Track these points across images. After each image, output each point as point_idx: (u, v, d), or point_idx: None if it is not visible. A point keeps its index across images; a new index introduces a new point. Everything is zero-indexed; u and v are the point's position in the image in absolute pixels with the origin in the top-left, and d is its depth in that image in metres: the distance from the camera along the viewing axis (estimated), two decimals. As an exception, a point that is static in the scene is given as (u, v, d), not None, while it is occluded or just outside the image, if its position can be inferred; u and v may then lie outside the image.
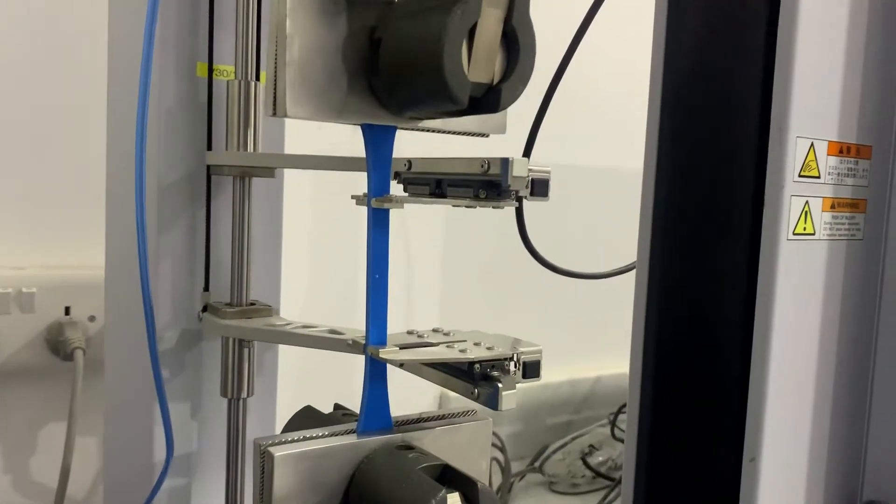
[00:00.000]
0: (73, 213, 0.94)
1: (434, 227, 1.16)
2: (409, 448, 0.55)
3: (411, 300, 1.15)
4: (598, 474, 1.13)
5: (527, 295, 1.25)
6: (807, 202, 0.56)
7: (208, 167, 0.71)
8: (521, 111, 0.69)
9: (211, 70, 0.70)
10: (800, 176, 0.55)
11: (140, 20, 0.64)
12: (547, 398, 1.24)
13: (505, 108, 0.48)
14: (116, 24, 0.73)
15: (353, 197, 0.55)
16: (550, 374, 1.25)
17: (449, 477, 0.52)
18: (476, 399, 0.53)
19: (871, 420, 0.62)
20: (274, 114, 0.49)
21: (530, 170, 0.49)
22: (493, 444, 1.13)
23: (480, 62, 0.46)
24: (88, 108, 0.90)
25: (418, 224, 1.14)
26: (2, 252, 0.91)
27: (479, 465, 0.59)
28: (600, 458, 1.14)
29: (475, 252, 1.20)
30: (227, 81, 0.69)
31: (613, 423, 1.17)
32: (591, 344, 1.28)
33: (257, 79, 0.69)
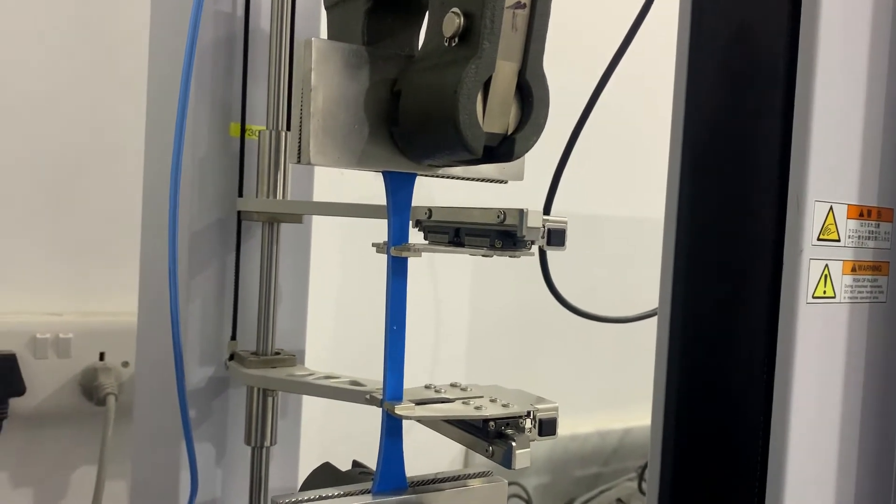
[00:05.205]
0: (109, 261, 0.96)
1: (462, 273, 1.17)
2: None
3: (439, 346, 1.15)
4: (627, 530, 1.12)
5: (557, 345, 1.25)
6: (826, 265, 0.56)
7: (239, 213, 0.73)
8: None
9: (243, 130, 0.73)
10: (819, 239, 0.55)
11: (177, 74, 0.67)
12: (575, 450, 1.23)
13: (519, 157, 0.49)
14: (155, 78, 0.76)
15: (373, 245, 0.56)
16: (579, 426, 1.25)
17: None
18: (490, 457, 0.53)
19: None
20: (298, 161, 0.51)
21: (546, 220, 0.50)
22: (519, 497, 1.12)
23: (495, 113, 0.47)
24: (126, 159, 0.93)
25: (447, 270, 1.14)
26: (40, 298, 0.94)
27: (494, 527, 0.58)
28: (629, 514, 1.12)
29: (504, 299, 1.21)
30: (259, 131, 0.72)
31: (641, 477, 1.16)
32: (622, 395, 1.27)
33: (287, 129, 0.71)
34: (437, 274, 1.14)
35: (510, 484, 1.13)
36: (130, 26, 0.94)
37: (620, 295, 1.10)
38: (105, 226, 0.96)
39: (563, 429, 1.23)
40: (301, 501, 0.52)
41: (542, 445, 1.18)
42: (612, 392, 1.29)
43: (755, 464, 0.57)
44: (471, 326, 1.18)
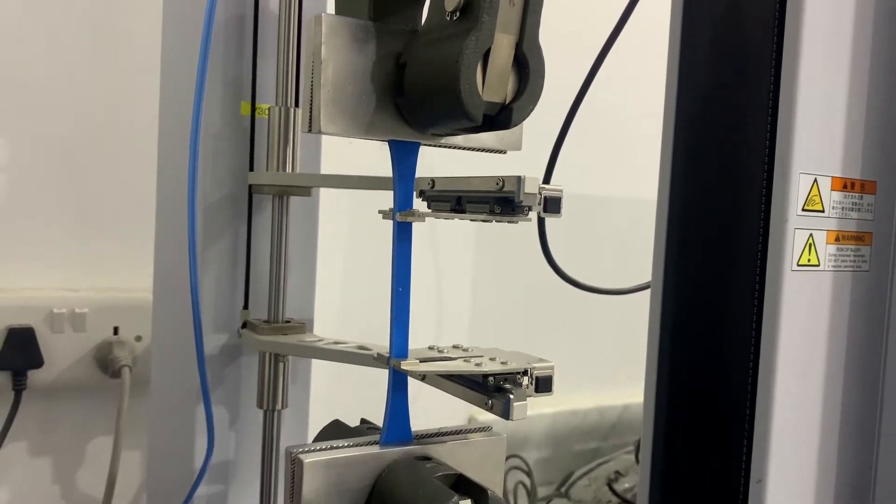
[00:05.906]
0: (123, 239, 0.99)
1: (464, 253, 1.20)
2: (427, 459, 0.58)
3: (441, 318, 1.18)
4: (623, 500, 1.15)
5: (558, 324, 1.27)
6: (811, 235, 0.58)
7: (250, 186, 0.76)
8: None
9: (254, 108, 0.76)
10: (803, 210, 0.58)
11: (190, 53, 0.70)
12: (576, 424, 1.26)
13: (516, 125, 0.51)
14: (169, 57, 0.79)
15: (380, 212, 0.59)
16: (580, 401, 1.28)
17: (463, 486, 0.55)
18: (490, 409, 0.55)
19: (880, 444, 0.63)
20: (309, 130, 0.54)
21: (543, 187, 0.52)
22: (520, 469, 1.15)
23: (494, 84, 0.50)
24: (139, 138, 0.96)
25: (449, 250, 1.17)
26: (58, 275, 0.96)
27: (492, 478, 0.62)
28: (626, 485, 1.15)
29: (506, 280, 1.23)
30: (269, 108, 0.75)
31: (638, 451, 1.18)
32: (621, 372, 1.30)
33: (296, 105, 0.74)
34: (439, 258, 1.17)
35: (511, 457, 1.16)
36: (144, 4, 0.96)
37: (620, 275, 1.13)
38: (119, 205, 0.98)
39: (563, 404, 1.26)
40: (313, 451, 0.55)
41: (542, 421, 1.21)
42: (611, 369, 1.32)
43: (743, 426, 0.59)
44: (473, 305, 1.20)
